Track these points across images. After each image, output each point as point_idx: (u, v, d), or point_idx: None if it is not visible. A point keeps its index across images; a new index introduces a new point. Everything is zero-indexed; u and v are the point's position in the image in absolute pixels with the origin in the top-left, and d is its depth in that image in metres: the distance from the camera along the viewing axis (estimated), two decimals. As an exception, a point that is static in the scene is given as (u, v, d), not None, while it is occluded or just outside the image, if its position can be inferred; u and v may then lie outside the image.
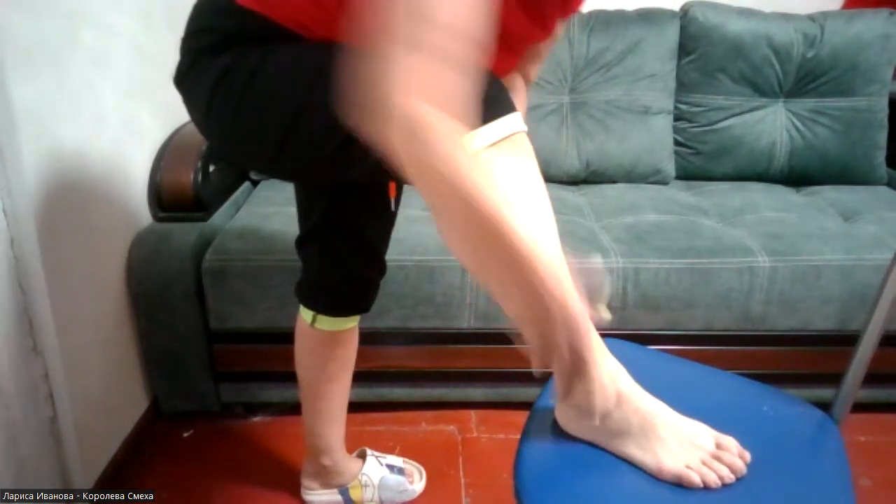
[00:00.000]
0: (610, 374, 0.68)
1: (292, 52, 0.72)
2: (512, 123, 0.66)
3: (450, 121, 0.53)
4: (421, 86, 0.52)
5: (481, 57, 0.56)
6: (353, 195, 0.93)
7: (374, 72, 0.53)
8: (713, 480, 0.64)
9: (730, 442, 0.67)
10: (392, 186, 0.96)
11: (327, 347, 1.07)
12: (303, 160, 0.77)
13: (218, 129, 0.81)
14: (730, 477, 0.64)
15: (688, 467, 0.65)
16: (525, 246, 0.57)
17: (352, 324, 1.06)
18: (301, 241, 1.02)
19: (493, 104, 0.65)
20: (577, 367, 0.66)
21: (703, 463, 0.65)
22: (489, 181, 0.56)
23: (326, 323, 1.03)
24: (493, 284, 0.62)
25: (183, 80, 0.82)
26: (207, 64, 0.76)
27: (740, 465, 0.65)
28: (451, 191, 0.54)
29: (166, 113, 1.47)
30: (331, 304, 1.02)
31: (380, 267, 1.02)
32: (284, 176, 0.95)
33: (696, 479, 0.64)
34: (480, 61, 0.56)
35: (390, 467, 1.27)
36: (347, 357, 1.10)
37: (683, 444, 0.66)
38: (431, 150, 0.53)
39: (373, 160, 0.60)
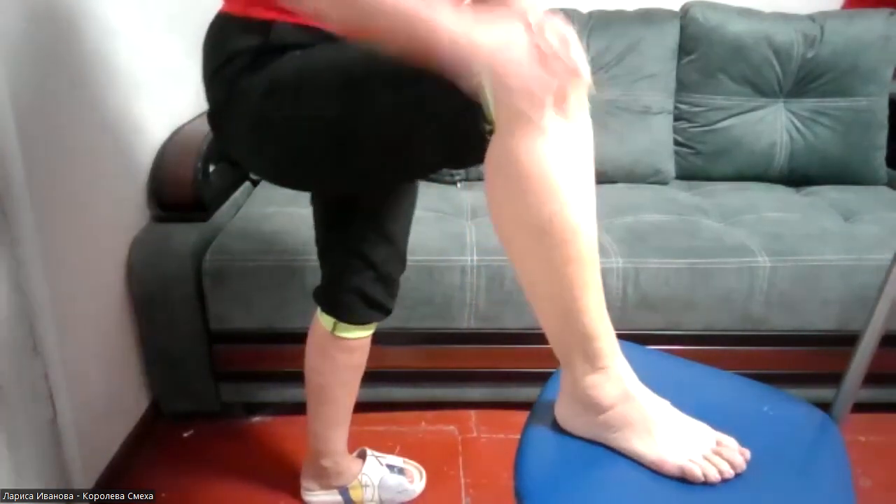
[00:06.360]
0: (619, 372, 0.69)
1: (332, 48, 0.73)
2: None
3: None
4: None
5: None
6: (384, 199, 0.95)
7: None
8: (714, 474, 0.64)
9: (730, 440, 0.68)
10: None
11: (345, 354, 1.05)
12: (373, 153, 0.76)
13: (273, 148, 0.79)
14: (729, 472, 0.65)
15: (689, 461, 0.65)
16: None
17: (372, 330, 1.05)
18: (327, 249, 1.00)
19: None
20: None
21: (704, 457, 0.66)
22: None
23: (348, 331, 1.02)
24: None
25: (223, 109, 0.81)
26: (246, 86, 0.76)
27: (740, 461, 0.66)
28: None
29: (166, 113, 1.47)
30: (359, 310, 1.00)
31: (404, 265, 1.04)
32: (342, 184, 0.87)
33: (698, 472, 0.64)
34: None
35: (390, 467, 1.27)
36: (362, 363, 1.10)
37: (684, 439, 0.67)
38: None
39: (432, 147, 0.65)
